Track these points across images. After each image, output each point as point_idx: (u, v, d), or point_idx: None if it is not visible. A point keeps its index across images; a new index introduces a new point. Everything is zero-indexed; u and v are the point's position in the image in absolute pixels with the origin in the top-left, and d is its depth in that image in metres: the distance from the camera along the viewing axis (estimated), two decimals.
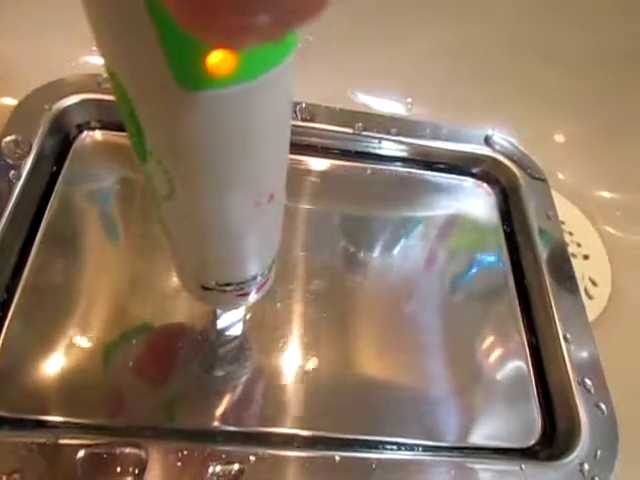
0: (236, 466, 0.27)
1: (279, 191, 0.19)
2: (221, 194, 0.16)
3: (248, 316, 0.33)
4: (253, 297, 0.25)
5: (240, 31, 0.09)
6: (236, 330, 0.32)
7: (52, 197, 0.35)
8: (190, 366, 0.31)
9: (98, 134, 0.39)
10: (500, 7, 0.46)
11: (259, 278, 0.23)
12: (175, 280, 0.33)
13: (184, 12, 0.09)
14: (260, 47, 0.12)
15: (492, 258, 0.41)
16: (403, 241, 0.40)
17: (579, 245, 0.47)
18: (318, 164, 0.42)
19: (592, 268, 0.45)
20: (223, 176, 0.16)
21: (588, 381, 0.34)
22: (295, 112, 0.41)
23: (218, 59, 0.11)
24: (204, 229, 0.19)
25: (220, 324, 0.30)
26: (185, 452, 0.27)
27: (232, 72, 0.12)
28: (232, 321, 0.31)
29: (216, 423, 0.30)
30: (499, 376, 0.35)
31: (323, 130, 0.42)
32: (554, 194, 0.44)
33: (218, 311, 0.29)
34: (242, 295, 0.24)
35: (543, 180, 0.44)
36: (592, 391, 0.34)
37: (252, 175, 0.16)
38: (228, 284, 0.22)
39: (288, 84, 0.15)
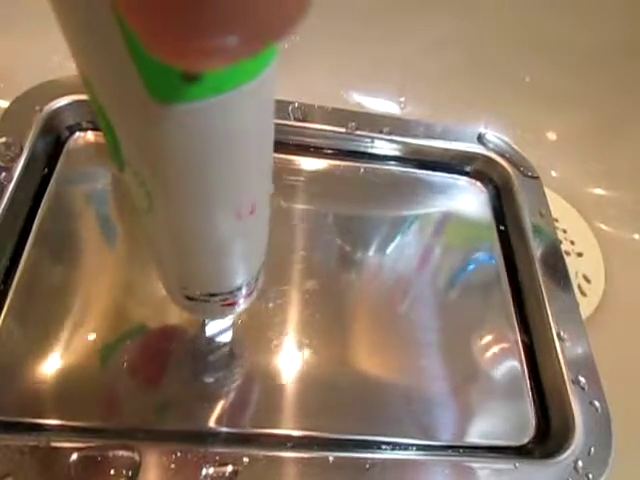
0: (230, 467, 0.27)
1: (262, 202, 0.18)
2: (200, 207, 0.16)
3: (241, 316, 0.33)
4: (239, 307, 0.25)
5: (208, 54, 0.09)
6: (225, 337, 0.31)
7: (44, 199, 0.35)
8: (184, 368, 0.31)
9: (90, 135, 0.39)
10: (492, 5, 0.46)
11: (245, 288, 0.23)
12: None
13: (149, 35, 0.08)
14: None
15: (485, 256, 0.41)
16: (397, 240, 0.40)
17: (573, 243, 0.47)
18: (311, 164, 0.42)
19: (586, 265, 0.45)
20: (201, 189, 0.15)
21: (582, 379, 0.34)
22: (288, 112, 0.41)
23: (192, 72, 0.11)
24: (185, 241, 0.18)
25: (209, 331, 0.30)
26: (179, 454, 0.27)
27: (207, 85, 0.12)
28: (221, 328, 0.30)
29: (209, 425, 0.30)
30: (493, 374, 0.35)
31: (316, 130, 0.42)
32: (547, 192, 0.44)
33: (206, 320, 0.29)
34: (228, 305, 0.23)
35: (536, 178, 0.44)
36: (586, 389, 0.34)
37: (232, 188, 0.16)
38: (213, 294, 0.22)
39: (268, 95, 0.14)
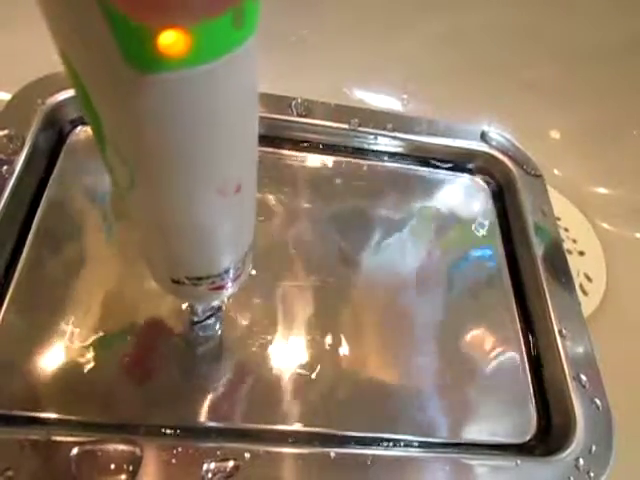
0: (231, 463, 0.27)
1: (247, 181, 0.18)
2: (182, 184, 0.16)
3: (243, 313, 0.33)
4: (228, 290, 0.24)
5: (186, 6, 0.08)
6: (228, 332, 0.31)
7: (45, 192, 0.35)
8: (185, 363, 0.31)
9: None
10: (496, 2, 0.46)
11: (232, 271, 0.22)
12: None
13: None
14: (216, 29, 0.11)
15: (487, 254, 0.41)
16: (398, 237, 0.40)
17: (574, 241, 0.47)
18: (313, 160, 0.42)
19: (587, 264, 0.45)
20: (182, 165, 0.15)
21: (583, 377, 0.34)
22: (290, 108, 0.41)
23: (170, 39, 0.11)
24: (168, 221, 0.18)
25: (211, 326, 0.30)
26: (180, 449, 0.27)
27: (186, 54, 0.11)
28: (223, 323, 0.30)
29: (211, 420, 0.29)
30: (494, 372, 0.35)
31: (319, 126, 0.41)
32: (550, 190, 0.44)
33: (196, 306, 0.29)
34: (215, 289, 0.23)
35: (539, 176, 0.44)
36: (587, 386, 0.34)
37: (214, 164, 0.16)
38: (199, 278, 0.22)
39: (249, 70, 0.14)
